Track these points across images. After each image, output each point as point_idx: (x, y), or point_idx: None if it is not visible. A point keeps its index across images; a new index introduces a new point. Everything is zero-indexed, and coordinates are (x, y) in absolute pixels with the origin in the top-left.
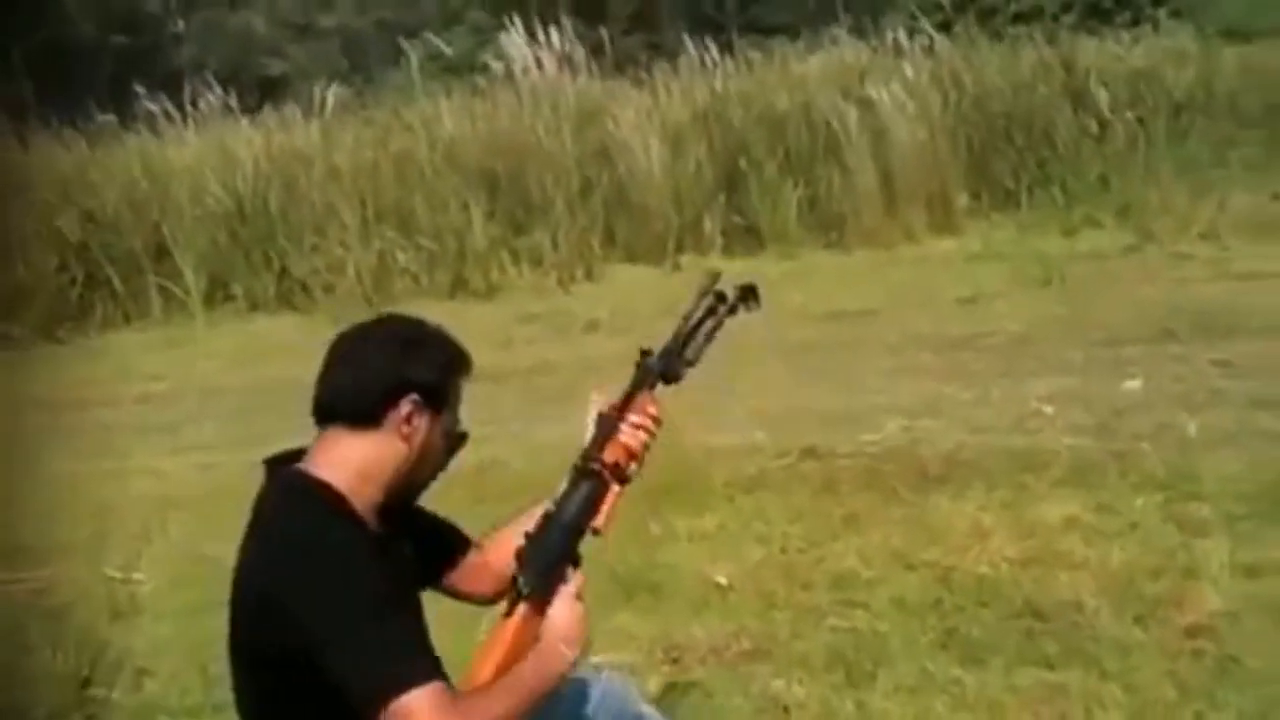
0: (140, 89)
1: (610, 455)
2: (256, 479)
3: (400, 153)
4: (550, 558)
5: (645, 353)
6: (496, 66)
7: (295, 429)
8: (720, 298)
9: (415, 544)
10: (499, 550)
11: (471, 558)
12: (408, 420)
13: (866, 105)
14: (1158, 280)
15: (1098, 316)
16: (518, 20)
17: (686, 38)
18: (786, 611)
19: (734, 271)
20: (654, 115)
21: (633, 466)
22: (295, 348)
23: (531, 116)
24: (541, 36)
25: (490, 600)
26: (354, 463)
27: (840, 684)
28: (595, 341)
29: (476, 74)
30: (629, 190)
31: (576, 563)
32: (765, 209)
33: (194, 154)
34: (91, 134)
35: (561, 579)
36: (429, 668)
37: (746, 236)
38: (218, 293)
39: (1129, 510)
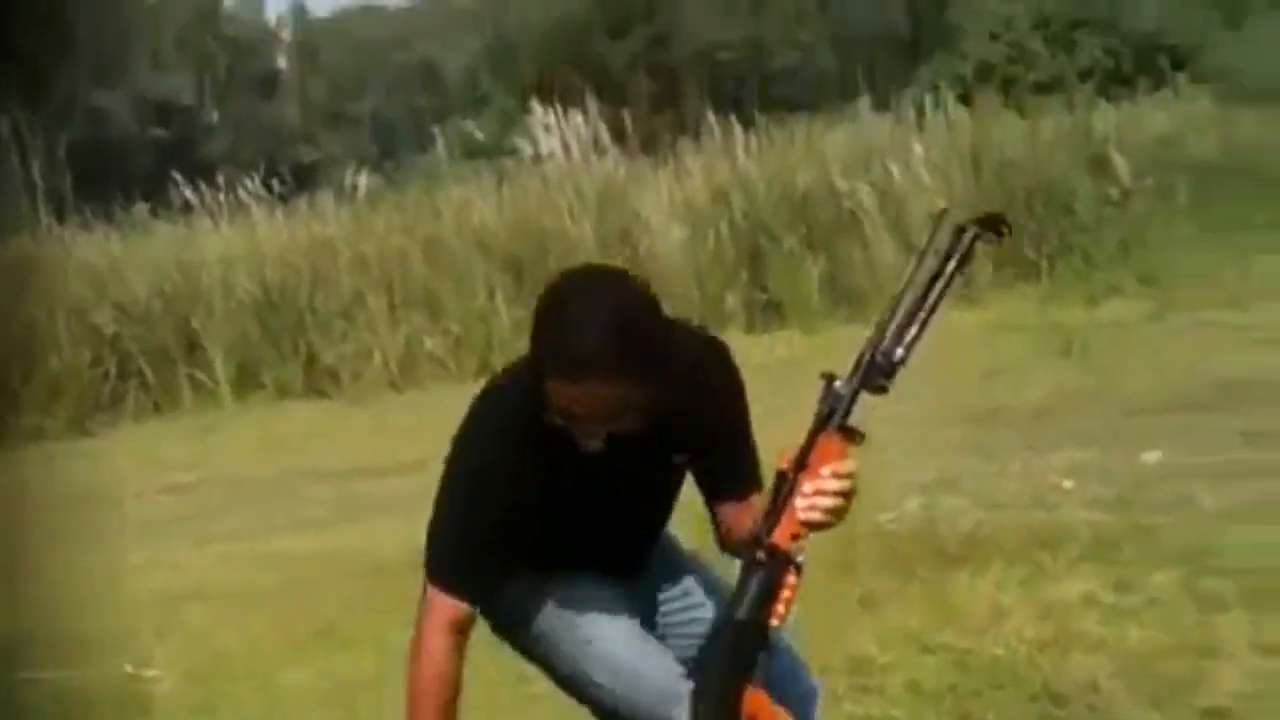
0: (177, 177)
1: (782, 536)
2: (274, 571)
3: (428, 238)
4: (726, 679)
5: (829, 378)
6: (524, 148)
7: (314, 518)
8: (958, 236)
9: (679, 452)
10: (737, 520)
11: (727, 510)
12: None
13: (886, 179)
14: (1181, 348)
15: (1119, 387)
16: (541, 104)
17: (710, 116)
18: None
19: (759, 346)
20: (675, 194)
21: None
22: (321, 434)
23: (555, 200)
24: (566, 120)
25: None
26: None
27: None
28: None
29: (504, 156)
30: (650, 269)
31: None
32: (787, 285)
33: (225, 244)
34: (126, 225)
35: (745, 684)
36: (466, 584)
37: (769, 312)
38: (247, 381)
39: (1147, 587)
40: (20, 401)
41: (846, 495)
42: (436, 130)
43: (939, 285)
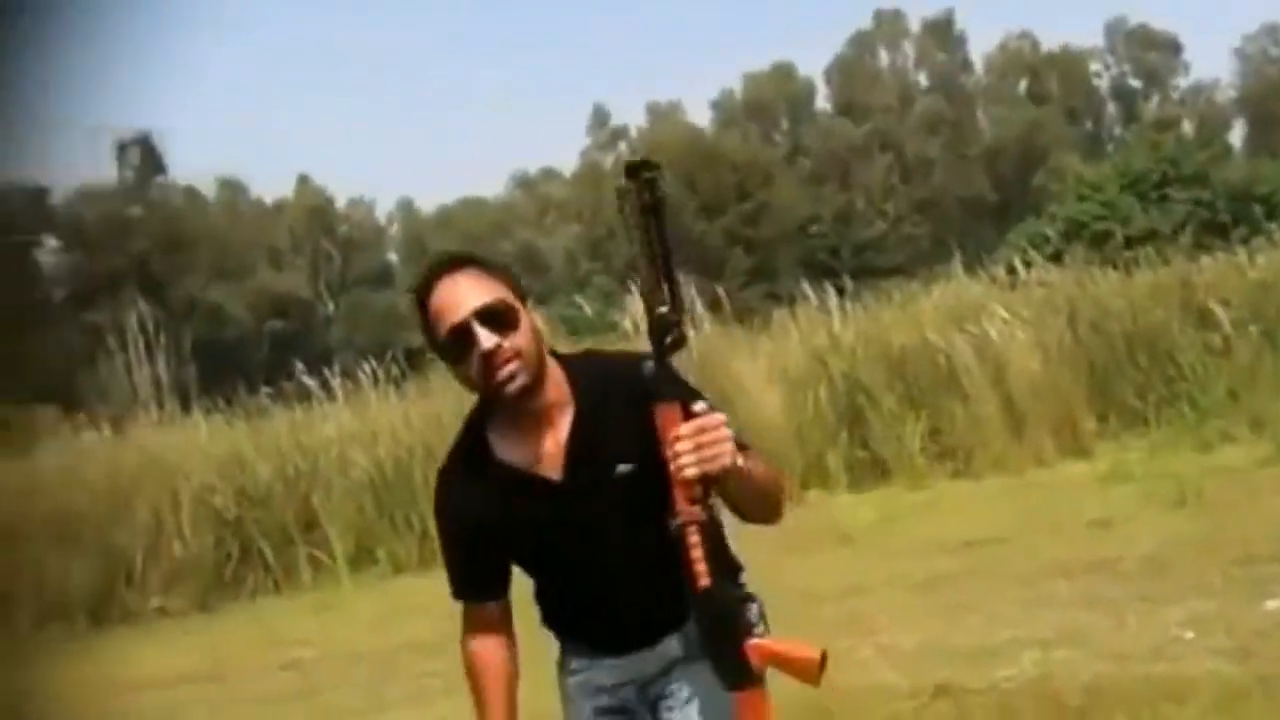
0: (299, 364)
1: (681, 502)
2: None
3: None
4: (717, 651)
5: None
6: (624, 324)
7: (430, 690)
8: (638, 186)
9: (623, 461)
10: None
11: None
12: None
13: (983, 337)
14: None
15: (1235, 535)
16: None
17: (805, 285)
18: None
19: (863, 505)
20: (773, 360)
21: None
22: (434, 607)
23: None
24: None
25: None
26: None
27: None
28: None
29: (607, 333)
30: (751, 433)
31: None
32: (889, 442)
33: (341, 427)
34: (249, 412)
35: (747, 632)
36: (468, 595)
37: (873, 469)
38: (363, 557)
39: None
40: (146, 583)
41: (705, 444)
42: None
43: (658, 239)
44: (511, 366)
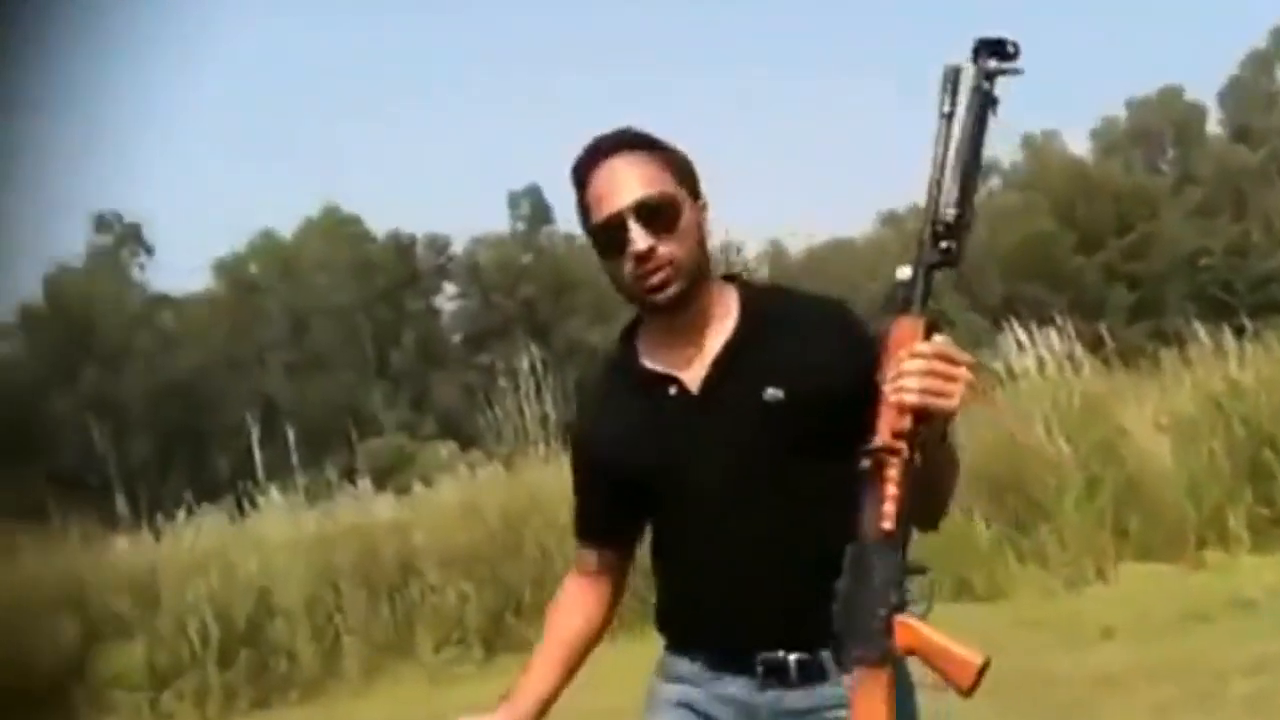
0: None
1: (884, 432)
2: None
3: None
4: (861, 608)
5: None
6: (995, 367)
7: None
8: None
9: (774, 387)
10: None
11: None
12: None
13: None
14: None
15: None
16: (1014, 322)
17: (1196, 323)
18: None
19: (1270, 569)
20: (1162, 406)
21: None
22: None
23: (1031, 417)
24: (1038, 336)
25: None
26: None
27: None
28: (1109, 650)
29: (978, 374)
30: (1140, 485)
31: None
32: None
33: None
34: None
35: (887, 609)
36: (582, 532)
37: (1279, 529)
38: None
39: None
40: (534, 615)
41: (939, 374)
42: None
43: (971, 136)
44: (664, 274)
